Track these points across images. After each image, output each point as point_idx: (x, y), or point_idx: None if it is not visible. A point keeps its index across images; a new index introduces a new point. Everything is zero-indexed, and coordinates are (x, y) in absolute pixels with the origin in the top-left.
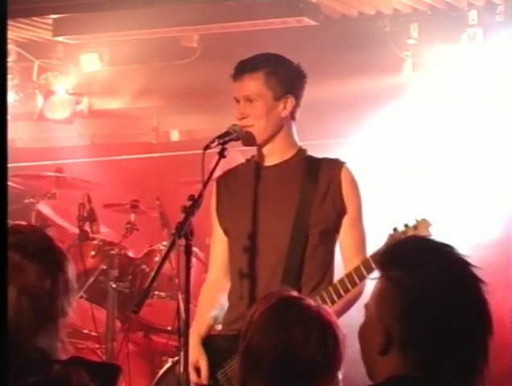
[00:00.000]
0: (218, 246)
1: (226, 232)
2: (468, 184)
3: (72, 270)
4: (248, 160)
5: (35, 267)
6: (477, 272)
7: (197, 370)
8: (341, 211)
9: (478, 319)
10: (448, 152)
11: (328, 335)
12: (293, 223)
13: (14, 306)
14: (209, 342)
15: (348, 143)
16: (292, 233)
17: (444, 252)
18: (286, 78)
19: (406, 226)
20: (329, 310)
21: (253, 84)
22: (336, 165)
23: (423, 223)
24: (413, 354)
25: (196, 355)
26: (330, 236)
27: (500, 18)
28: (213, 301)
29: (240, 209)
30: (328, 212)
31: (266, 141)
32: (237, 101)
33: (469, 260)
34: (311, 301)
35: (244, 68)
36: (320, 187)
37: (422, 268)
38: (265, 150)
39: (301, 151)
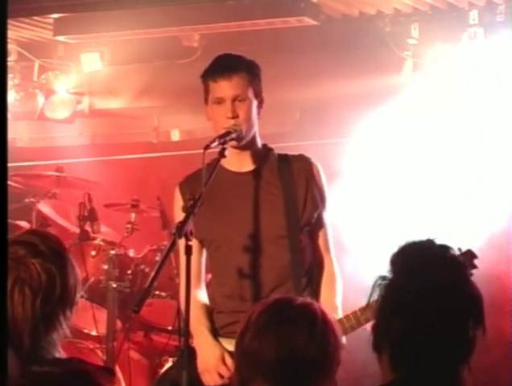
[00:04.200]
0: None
1: (203, 242)
2: (469, 182)
3: (74, 281)
4: (209, 164)
5: (38, 265)
6: (468, 270)
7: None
8: (320, 209)
9: (466, 314)
10: (449, 151)
11: (329, 331)
12: (286, 226)
13: (13, 298)
14: None
15: (348, 143)
16: (289, 236)
17: (431, 252)
18: (259, 77)
19: None
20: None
21: (243, 84)
22: (306, 163)
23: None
24: (401, 350)
25: (220, 350)
26: (312, 233)
27: (501, 18)
28: (203, 302)
29: (218, 217)
30: (311, 211)
31: (249, 143)
32: (220, 101)
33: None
34: (307, 299)
35: (230, 67)
36: (299, 188)
37: (406, 268)
38: (241, 152)
39: (270, 153)
